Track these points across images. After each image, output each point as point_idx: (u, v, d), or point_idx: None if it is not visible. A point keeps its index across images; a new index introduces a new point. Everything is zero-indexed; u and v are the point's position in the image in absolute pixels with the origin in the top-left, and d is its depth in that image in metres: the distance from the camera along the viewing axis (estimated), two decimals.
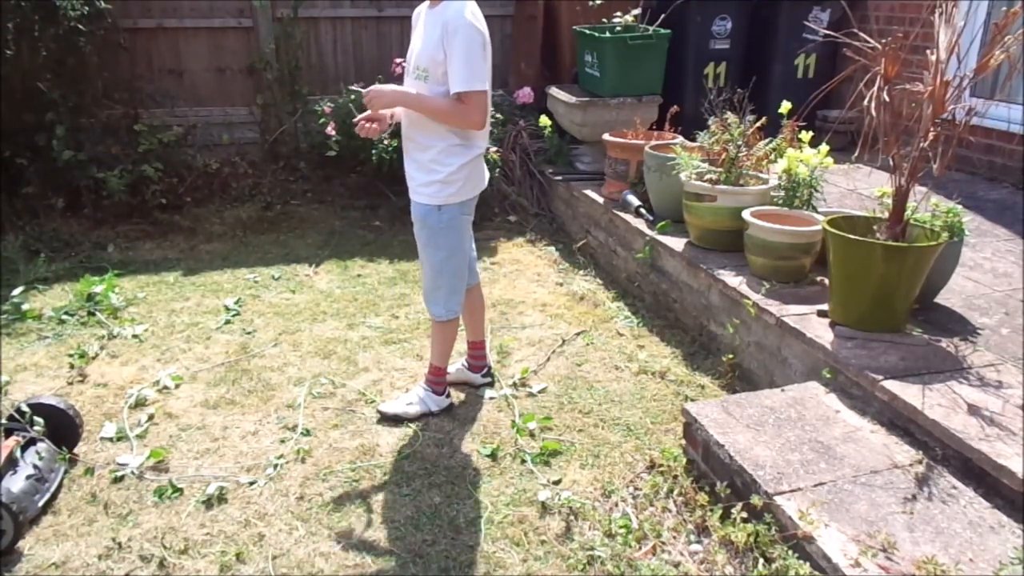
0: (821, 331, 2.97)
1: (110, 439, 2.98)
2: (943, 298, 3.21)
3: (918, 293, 2.90)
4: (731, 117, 3.76)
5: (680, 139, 4.47)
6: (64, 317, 3.97)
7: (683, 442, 2.84)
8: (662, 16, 5.39)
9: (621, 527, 2.47)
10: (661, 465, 2.77)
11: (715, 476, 2.57)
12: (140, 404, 3.22)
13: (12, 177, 5.16)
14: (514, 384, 3.37)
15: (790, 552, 2.15)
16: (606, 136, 4.79)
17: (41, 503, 2.56)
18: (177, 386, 3.36)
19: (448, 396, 3.21)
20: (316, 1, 5.97)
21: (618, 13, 5.39)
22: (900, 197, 2.80)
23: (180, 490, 2.69)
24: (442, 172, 2.80)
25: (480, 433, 3.03)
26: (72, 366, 3.49)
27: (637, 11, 5.42)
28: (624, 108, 5.19)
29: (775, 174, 3.72)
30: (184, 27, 5.81)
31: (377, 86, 2.76)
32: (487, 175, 3.03)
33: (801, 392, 2.82)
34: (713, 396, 3.24)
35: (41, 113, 5.11)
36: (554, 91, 5.58)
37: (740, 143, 3.73)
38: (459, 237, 2.93)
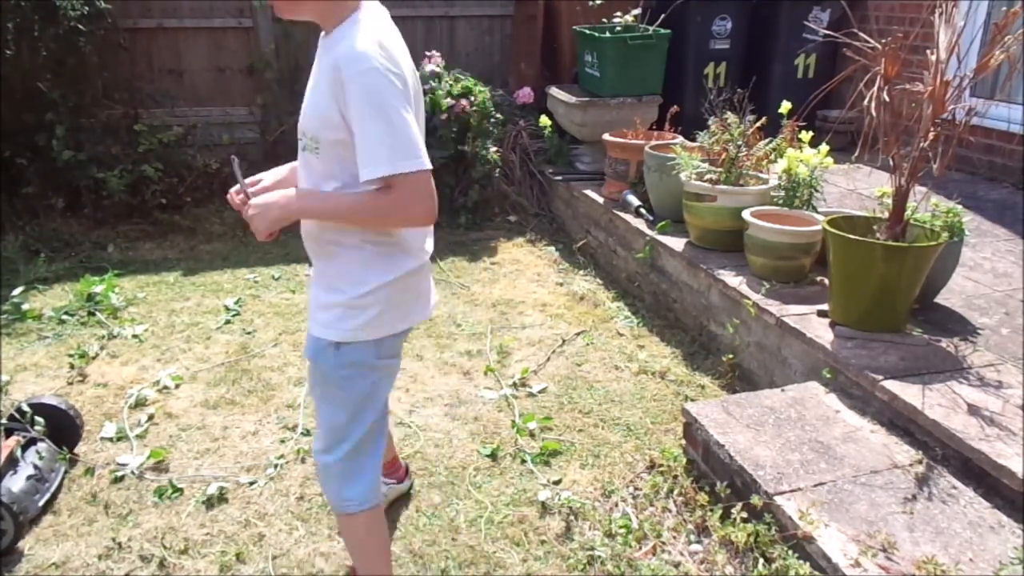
0: (821, 331, 2.97)
1: (110, 439, 2.98)
2: (943, 298, 3.21)
3: (918, 293, 2.90)
4: (731, 117, 3.76)
5: (680, 139, 4.47)
6: (64, 317, 3.97)
7: (683, 442, 2.84)
8: (662, 16, 5.39)
9: (621, 527, 2.47)
10: (661, 465, 2.77)
11: (715, 476, 2.58)
12: (140, 404, 3.21)
13: (12, 177, 5.16)
14: (514, 384, 3.37)
15: (790, 552, 2.15)
16: (606, 136, 4.79)
17: (41, 503, 2.56)
18: (177, 386, 3.36)
19: None
20: None
21: (618, 13, 5.39)
22: (900, 197, 2.80)
23: (180, 490, 2.69)
24: (349, 292, 1.81)
25: (480, 433, 3.03)
26: (72, 366, 3.49)
27: (637, 11, 5.42)
28: (624, 108, 5.19)
29: (775, 174, 3.72)
30: (184, 27, 5.81)
31: (262, 200, 1.85)
32: (433, 296, 2.02)
33: (801, 392, 2.82)
34: (713, 396, 3.24)
35: (41, 113, 5.11)
36: (554, 91, 5.58)
37: (740, 143, 3.72)
38: (370, 391, 1.91)
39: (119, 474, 2.77)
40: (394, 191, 1.64)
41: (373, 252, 1.81)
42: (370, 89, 1.59)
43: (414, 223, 1.78)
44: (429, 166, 1.64)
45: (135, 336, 3.81)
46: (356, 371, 1.87)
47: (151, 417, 3.12)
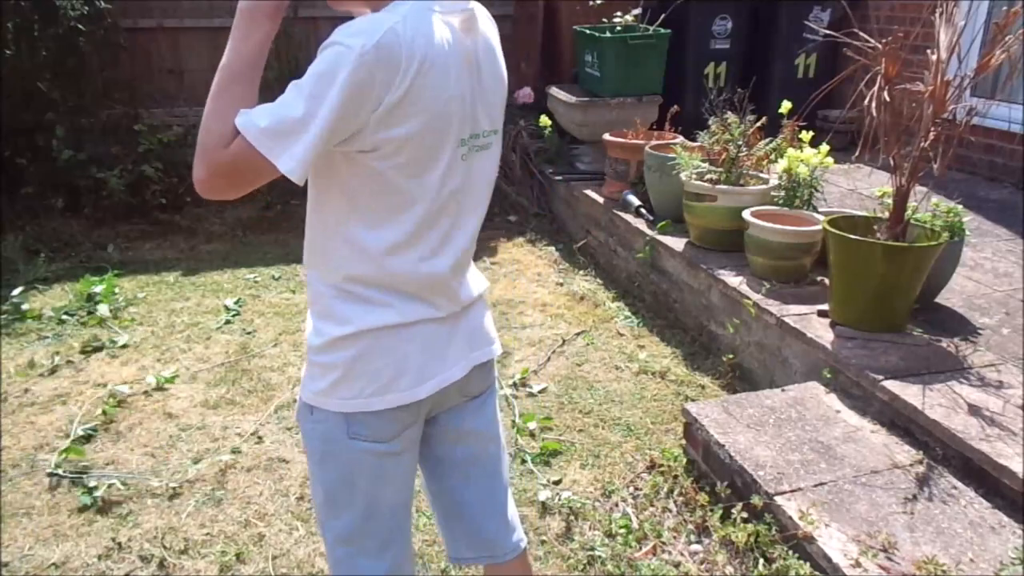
0: (821, 331, 2.97)
1: (108, 439, 2.98)
2: (943, 298, 3.21)
3: (918, 293, 2.90)
4: (731, 117, 3.76)
5: (680, 139, 4.47)
6: (64, 317, 3.97)
7: (683, 442, 2.84)
8: (662, 16, 5.39)
9: (621, 527, 2.47)
10: (661, 465, 2.77)
11: (715, 476, 2.57)
12: (133, 404, 3.21)
13: (12, 177, 5.16)
14: (514, 384, 3.37)
15: (790, 552, 2.15)
16: (606, 136, 4.79)
17: None
18: (162, 387, 3.35)
19: None
20: (316, 1, 5.96)
21: (618, 13, 5.39)
22: (900, 197, 2.80)
23: (180, 490, 2.69)
24: (312, 341, 1.41)
25: None
26: (72, 365, 3.49)
27: (637, 11, 5.42)
28: (624, 108, 5.18)
29: (775, 174, 3.72)
30: (184, 27, 5.80)
31: None
32: (448, 368, 1.44)
33: (801, 392, 2.82)
34: (713, 396, 3.24)
35: (41, 113, 5.11)
36: (554, 91, 5.58)
37: (740, 143, 3.72)
38: (344, 481, 1.45)
39: (118, 474, 2.77)
40: (234, 145, 1.24)
41: (335, 291, 1.37)
42: (319, 60, 1.26)
43: (199, 181, 1.27)
44: (271, 158, 1.22)
45: (135, 336, 3.81)
46: (327, 447, 1.44)
47: (148, 417, 3.12)
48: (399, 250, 1.34)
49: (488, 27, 1.41)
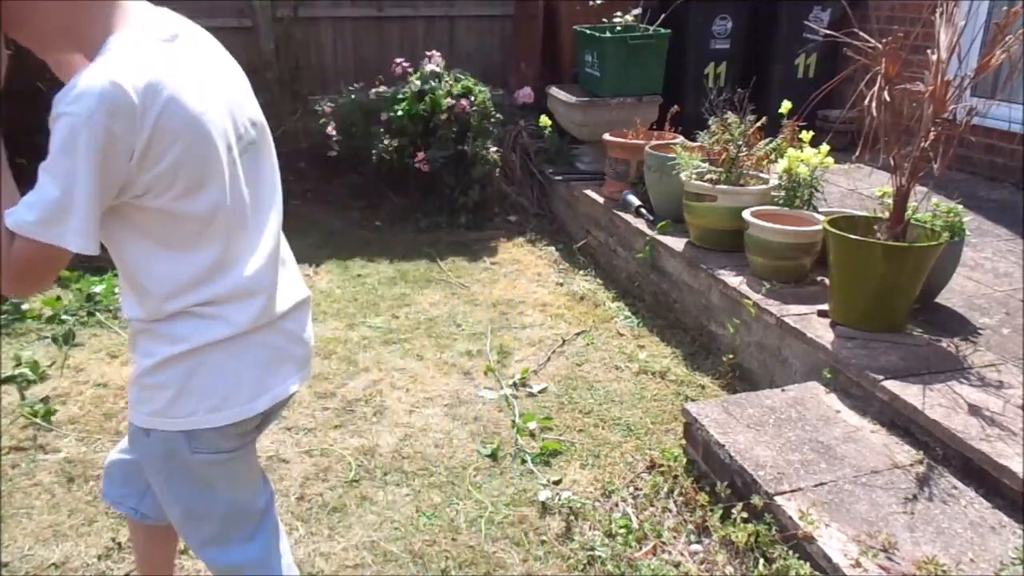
0: (821, 331, 2.97)
1: (108, 439, 2.98)
2: (944, 298, 3.21)
3: (919, 293, 2.90)
4: (731, 117, 3.76)
5: (680, 139, 4.47)
6: (64, 317, 3.97)
7: (683, 442, 2.84)
8: (662, 16, 5.39)
9: (621, 527, 2.47)
10: (661, 465, 2.77)
11: (715, 476, 2.57)
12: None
13: (12, 177, 5.16)
14: (514, 384, 3.37)
15: (790, 552, 2.15)
16: (606, 136, 4.79)
17: None
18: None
19: None
20: (316, 1, 5.96)
21: (618, 13, 5.39)
22: (901, 197, 2.80)
23: None
24: (139, 363, 1.42)
25: (480, 433, 3.03)
26: (72, 366, 3.49)
27: (637, 11, 5.42)
28: (624, 108, 5.18)
29: (775, 174, 3.72)
30: None
31: None
32: (290, 379, 1.52)
33: (801, 392, 2.82)
34: (713, 396, 3.24)
35: (41, 113, 5.10)
36: (554, 91, 5.58)
37: (740, 143, 3.73)
38: (201, 496, 1.50)
39: None
40: (17, 245, 1.24)
41: (161, 318, 1.38)
42: (60, 132, 1.25)
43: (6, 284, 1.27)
44: (58, 243, 1.21)
45: None
46: (171, 465, 1.45)
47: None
48: (212, 271, 1.37)
49: (193, 28, 1.41)
